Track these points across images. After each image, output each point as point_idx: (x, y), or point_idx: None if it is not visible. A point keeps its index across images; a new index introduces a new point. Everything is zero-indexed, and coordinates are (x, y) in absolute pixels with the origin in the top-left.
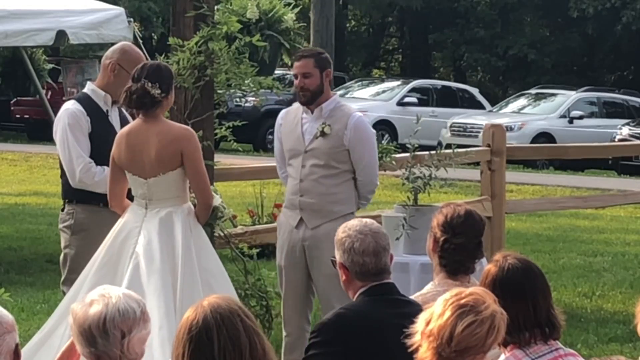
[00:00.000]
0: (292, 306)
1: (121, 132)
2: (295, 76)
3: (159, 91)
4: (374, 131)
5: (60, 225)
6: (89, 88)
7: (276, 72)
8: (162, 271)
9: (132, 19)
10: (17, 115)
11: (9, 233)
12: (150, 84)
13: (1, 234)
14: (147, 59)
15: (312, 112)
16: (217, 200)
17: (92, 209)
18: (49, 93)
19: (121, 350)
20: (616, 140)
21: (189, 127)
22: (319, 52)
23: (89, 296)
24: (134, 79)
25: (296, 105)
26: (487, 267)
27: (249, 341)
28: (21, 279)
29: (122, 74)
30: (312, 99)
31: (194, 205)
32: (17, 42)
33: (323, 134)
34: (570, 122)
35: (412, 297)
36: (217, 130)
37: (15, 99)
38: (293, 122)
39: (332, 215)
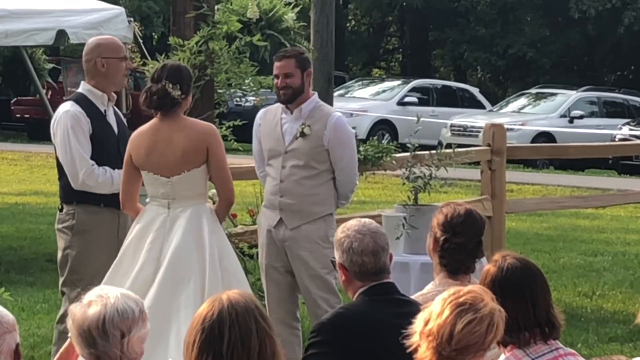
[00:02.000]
0: (277, 305)
1: (137, 132)
2: (277, 76)
3: (179, 92)
4: (354, 131)
5: (59, 226)
6: (84, 88)
7: None
8: (194, 277)
9: (132, 19)
10: (17, 115)
11: (9, 232)
12: (171, 85)
13: (1, 233)
14: (147, 59)
15: (292, 113)
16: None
17: (92, 209)
18: (49, 92)
19: (121, 350)
20: (616, 139)
21: (212, 124)
22: (300, 53)
23: (87, 297)
24: (154, 79)
25: (275, 105)
26: (486, 267)
27: (259, 343)
28: (21, 278)
29: (110, 64)
30: (292, 97)
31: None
32: (18, 41)
33: (303, 134)
34: (571, 121)
35: (412, 297)
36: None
37: (15, 99)
38: (272, 122)
39: (311, 216)
